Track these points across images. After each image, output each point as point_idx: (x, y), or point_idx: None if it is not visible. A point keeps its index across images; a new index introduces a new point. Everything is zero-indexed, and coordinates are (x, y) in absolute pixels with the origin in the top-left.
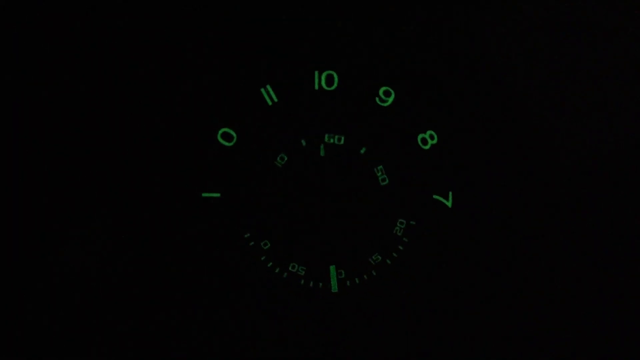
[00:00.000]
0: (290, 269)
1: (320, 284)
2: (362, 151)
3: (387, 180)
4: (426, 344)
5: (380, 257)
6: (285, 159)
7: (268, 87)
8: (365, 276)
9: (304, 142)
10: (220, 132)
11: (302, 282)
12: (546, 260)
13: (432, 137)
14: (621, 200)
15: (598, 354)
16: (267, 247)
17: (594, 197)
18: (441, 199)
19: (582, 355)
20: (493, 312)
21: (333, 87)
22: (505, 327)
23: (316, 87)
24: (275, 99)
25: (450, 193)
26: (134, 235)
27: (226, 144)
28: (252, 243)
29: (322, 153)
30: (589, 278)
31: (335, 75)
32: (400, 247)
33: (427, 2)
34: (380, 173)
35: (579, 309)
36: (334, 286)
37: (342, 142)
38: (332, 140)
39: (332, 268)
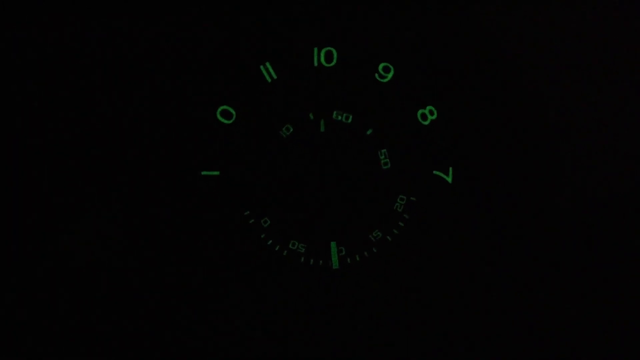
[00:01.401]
0: (290, 246)
1: (321, 262)
2: (367, 131)
3: (388, 163)
4: (427, 321)
5: (380, 234)
6: (291, 129)
7: (267, 64)
8: (365, 253)
9: (311, 116)
10: (219, 109)
11: (302, 259)
12: (546, 237)
13: (431, 113)
14: (621, 175)
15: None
16: (267, 224)
17: (594, 173)
18: (441, 174)
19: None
20: (493, 288)
21: (332, 64)
22: (505, 302)
23: (315, 63)
24: (275, 76)
25: (451, 169)
26: (133, 215)
27: (225, 121)
28: (251, 221)
29: (322, 129)
30: (586, 252)
31: (335, 52)
32: (401, 224)
33: None
34: (383, 156)
35: (577, 285)
36: (335, 263)
37: (349, 120)
38: (339, 118)
39: (333, 245)
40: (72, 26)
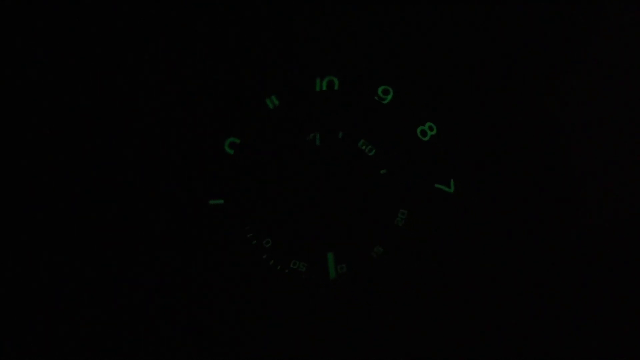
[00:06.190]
0: (291, 265)
1: (322, 279)
2: (367, 149)
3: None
4: (428, 333)
5: (381, 249)
6: (318, 135)
7: (273, 97)
8: (367, 268)
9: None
10: (227, 141)
11: (304, 277)
12: (548, 248)
13: (431, 129)
14: (624, 185)
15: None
16: (268, 245)
17: (595, 184)
18: (443, 187)
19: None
20: (495, 301)
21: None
22: (506, 316)
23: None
24: (277, 103)
25: (452, 182)
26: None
27: (230, 151)
28: (254, 242)
29: (317, 143)
30: (589, 267)
31: (336, 80)
32: (401, 238)
33: None
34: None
35: (580, 298)
36: (332, 273)
37: (372, 153)
38: (364, 147)
39: (330, 255)
40: (87, 54)
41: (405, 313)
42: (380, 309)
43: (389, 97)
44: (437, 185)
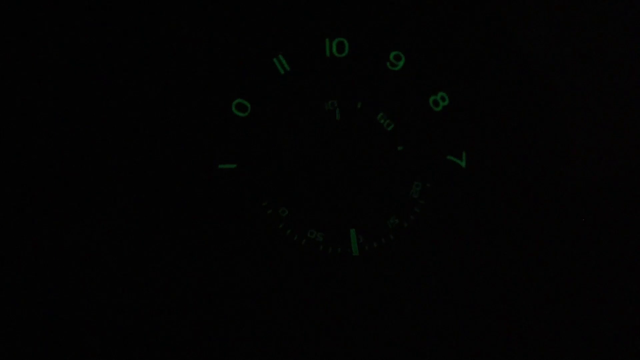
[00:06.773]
0: (308, 235)
1: (339, 249)
2: (386, 124)
3: (403, 150)
4: (445, 305)
5: (397, 220)
6: (336, 104)
7: (280, 57)
8: (383, 239)
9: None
10: (234, 103)
11: (321, 247)
12: (561, 220)
13: (443, 99)
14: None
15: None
16: (285, 214)
17: (608, 157)
18: (455, 159)
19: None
20: (510, 272)
21: (344, 54)
22: (523, 285)
23: (327, 54)
24: (288, 68)
25: (464, 153)
26: (151, 209)
27: (241, 114)
28: (270, 211)
29: (337, 117)
30: (600, 236)
31: (346, 42)
32: (417, 210)
33: None
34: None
35: (591, 272)
36: (355, 250)
37: (390, 127)
38: (382, 122)
39: (353, 232)
40: (90, 22)
41: (421, 284)
42: (397, 280)
43: (401, 63)
44: (449, 157)
